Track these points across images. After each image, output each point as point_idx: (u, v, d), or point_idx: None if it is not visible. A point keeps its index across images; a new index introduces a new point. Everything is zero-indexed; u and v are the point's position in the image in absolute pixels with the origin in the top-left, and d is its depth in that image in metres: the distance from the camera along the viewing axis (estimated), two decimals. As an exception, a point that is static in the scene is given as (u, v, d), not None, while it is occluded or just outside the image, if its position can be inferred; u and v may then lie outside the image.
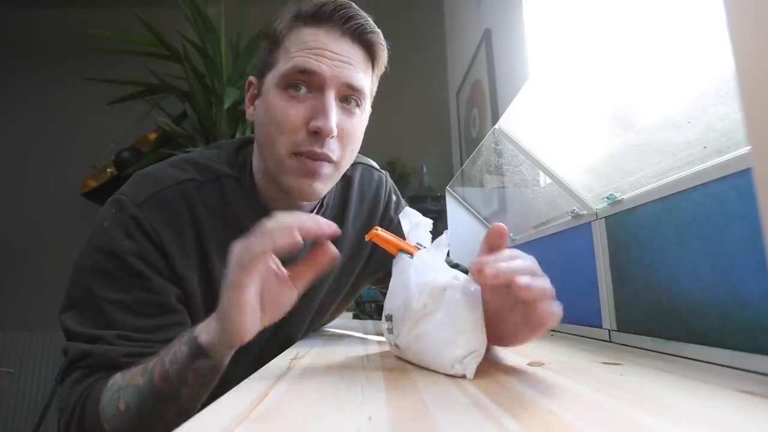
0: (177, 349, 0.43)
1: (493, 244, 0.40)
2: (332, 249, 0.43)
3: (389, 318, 0.48)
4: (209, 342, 0.42)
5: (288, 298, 0.43)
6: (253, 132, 0.63)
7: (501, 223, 0.40)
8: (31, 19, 2.55)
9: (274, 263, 0.42)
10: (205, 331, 0.42)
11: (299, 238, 0.38)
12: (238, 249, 0.39)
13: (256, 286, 0.39)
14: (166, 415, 0.44)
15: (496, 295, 0.40)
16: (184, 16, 1.90)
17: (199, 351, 0.42)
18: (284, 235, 0.38)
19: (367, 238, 0.51)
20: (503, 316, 0.41)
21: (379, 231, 0.50)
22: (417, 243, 0.49)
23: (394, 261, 0.49)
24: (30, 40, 2.53)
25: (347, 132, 0.57)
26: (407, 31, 2.47)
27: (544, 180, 0.95)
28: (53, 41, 2.51)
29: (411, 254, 0.47)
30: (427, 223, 0.50)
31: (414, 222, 0.50)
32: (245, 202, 0.61)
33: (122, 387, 0.45)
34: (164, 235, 0.54)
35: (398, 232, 0.51)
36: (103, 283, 0.52)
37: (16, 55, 2.50)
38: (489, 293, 0.41)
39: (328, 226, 0.40)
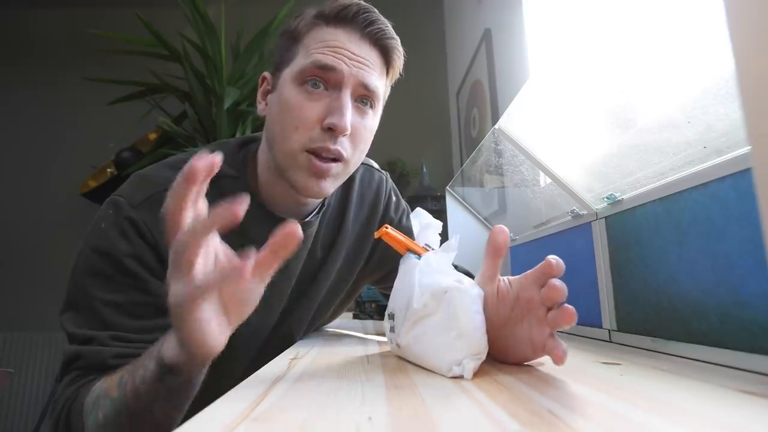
0: (146, 366, 0.40)
1: (496, 245, 0.41)
2: (295, 230, 0.32)
3: (392, 316, 0.48)
4: (175, 361, 0.37)
5: (253, 292, 0.35)
6: (253, 131, 0.63)
7: (502, 225, 0.41)
8: (31, 19, 2.55)
9: (225, 255, 0.35)
10: (169, 348, 0.37)
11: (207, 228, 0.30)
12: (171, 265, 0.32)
13: (209, 299, 0.33)
14: (142, 428, 0.42)
15: (505, 307, 0.41)
16: (184, 16, 1.90)
17: (165, 369, 0.38)
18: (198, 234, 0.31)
19: (376, 235, 0.51)
20: (509, 330, 0.41)
21: (389, 230, 0.50)
22: (426, 244, 0.49)
23: (402, 260, 0.49)
24: (30, 40, 2.53)
25: (359, 132, 0.57)
26: (407, 31, 2.46)
27: (544, 180, 0.95)
28: (53, 41, 2.51)
29: (419, 255, 0.47)
30: (437, 225, 0.51)
31: (424, 223, 0.51)
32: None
33: (101, 396, 0.44)
34: (160, 236, 0.54)
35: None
36: (99, 284, 0.52)
37: (16, 54, 2.50)
38: (498, 304, 0.41)
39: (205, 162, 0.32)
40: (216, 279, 0.31)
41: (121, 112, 1.94)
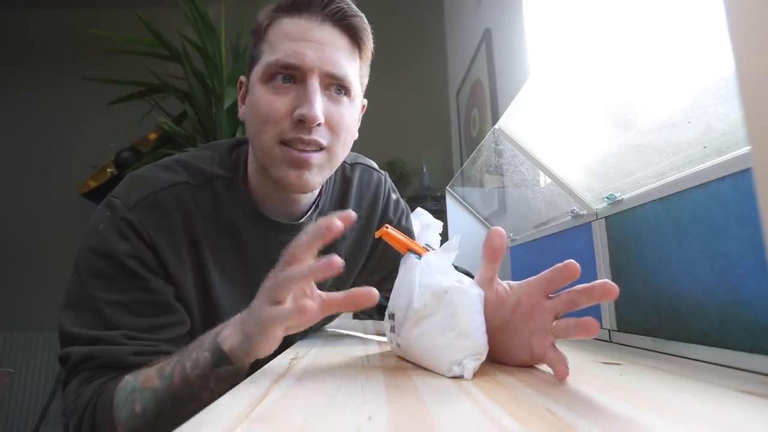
0: (198, 355, 0.44)
1: (492, 248, 0.41)
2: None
3: (392, 316, 0.48)
4: (232, 350, 0.42)
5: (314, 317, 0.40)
6: None
7: (498, 227, 0.41)
8: (32, 19, 2.55)
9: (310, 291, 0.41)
10: (227, 339, 0.43)
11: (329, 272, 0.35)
12: (275, 286, 0.38)
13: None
14: (185, 416, 0.44)
15: (504, 311, 0.41)
16: (184, 16, 1.89)
17: (222, 358, 0.42)
18: (310, 273, 0.37)
19: (377, 234, 0.51)
20: (507, 334, 0.41)
21: (390, 229, 0.50)
22: (426, 244, 0.49)
23: (402, 260, 0.49)
24: (30, 40, 2.53)
25: (336, 120, 0.55)
26: (407, 31, 2.47)
27: (544, 180, 0.95)
28: (53, 41, 2.51)
29: (419, 255, 0.47)
30: (438, 225, 0.51)
31: (425, 223, 0.51)
32: (238, 204, 0.61)
33: (137, 389, 0.45)
34: (157, 237, 0.54)
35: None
36: (101, 285, 0.52)
37: (16, 54, 2.49)
38: (497, 308, 0.41)
39: (343, 220, 0.37)
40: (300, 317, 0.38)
41: (121, 112, 1.94)
